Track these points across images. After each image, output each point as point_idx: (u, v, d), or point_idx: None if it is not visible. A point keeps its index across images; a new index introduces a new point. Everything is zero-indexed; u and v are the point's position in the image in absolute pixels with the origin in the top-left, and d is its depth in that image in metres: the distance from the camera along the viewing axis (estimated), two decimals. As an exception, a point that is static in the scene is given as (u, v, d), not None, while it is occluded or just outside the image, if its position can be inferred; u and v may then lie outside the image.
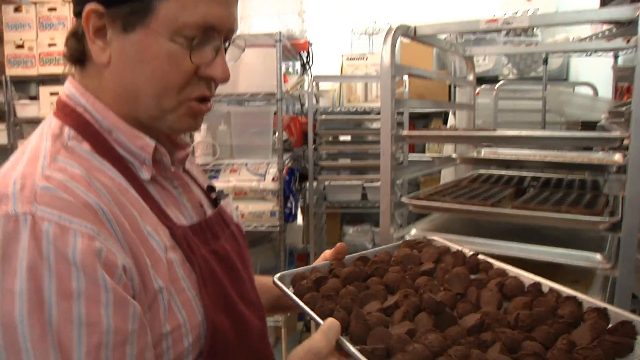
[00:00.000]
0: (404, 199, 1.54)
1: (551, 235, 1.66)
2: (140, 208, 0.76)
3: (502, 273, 1.03)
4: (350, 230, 3.84)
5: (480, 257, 1.11)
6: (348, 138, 3.77)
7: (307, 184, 3.50)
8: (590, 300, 0.90)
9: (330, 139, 3.60)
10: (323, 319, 0.85)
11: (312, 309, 0.88)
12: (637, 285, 1.42)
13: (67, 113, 0.79)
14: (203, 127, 2.90)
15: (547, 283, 0.98)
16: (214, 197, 1.00)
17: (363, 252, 1.15)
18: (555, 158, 1.95)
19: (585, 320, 0.85)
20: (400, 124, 3.52)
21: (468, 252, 1.14)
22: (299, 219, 3.19)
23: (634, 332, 0.80)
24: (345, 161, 3.65)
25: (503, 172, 2.19)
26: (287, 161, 2.95)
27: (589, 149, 2.23)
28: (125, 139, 0.79)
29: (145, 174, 0.80)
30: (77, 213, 0.67)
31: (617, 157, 1.83)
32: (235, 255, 0.92)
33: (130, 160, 0.80)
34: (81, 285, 0.64)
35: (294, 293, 0.95)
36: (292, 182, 2.95)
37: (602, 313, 0.85)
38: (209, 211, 0.94)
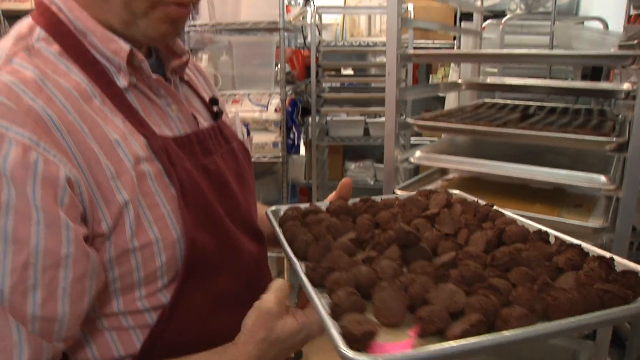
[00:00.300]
0: (409, 120, 1.53)
1: (554, 160, 1.65)
2: (104, 116, 0.71)
3: (510, 222, 0.90)
4: (352, 166, 3.83)
5: (495, 208, 0.99)
6: (351, 73, 3.72)
7: (310, 119, 3.47)
8: (597, 250, 0.78)
9: (333, 73, 3.55)
10: (290, 243, 0.81)
11: (284, 235, 0.84)
12: (637, 216, 1.42)
13: (40, 12, 0.74)
14: (204, 57, 2.84)
15: (553, 233, 0.86)
16: (216, 110, 0.94)
17: (373, 196, 1.05)
18: (562, 84, 1.92)
19: (583, 269, 0.73)
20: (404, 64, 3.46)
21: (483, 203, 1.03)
22: (302, 151, 3.18)
23: (637, 285, 0.66)
24: (348, 94, 3.61)
25: (508, 101, 2.17)
26: (289, 92, 2.91)
27: (597, 78, 2.21)
28: (98, 42, 0.73)
29: (122, 81, 0.75)
30: (17, 120, 0.62)
31: (626, 85, 1.81)
32: (230, 174, 0.87)
33: (106, 65, 0.74)
34: (11, 199, 0.61)
35: (278, 222, 0.91)
36: (295, 114, 2.93)
37: (606, 263, 0.72)
38: (206, 124, 0.88)
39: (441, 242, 0.81)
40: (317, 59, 3.34)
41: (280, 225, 0.90)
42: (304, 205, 0.98)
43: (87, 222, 0.67)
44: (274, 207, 0.98)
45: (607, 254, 0.75)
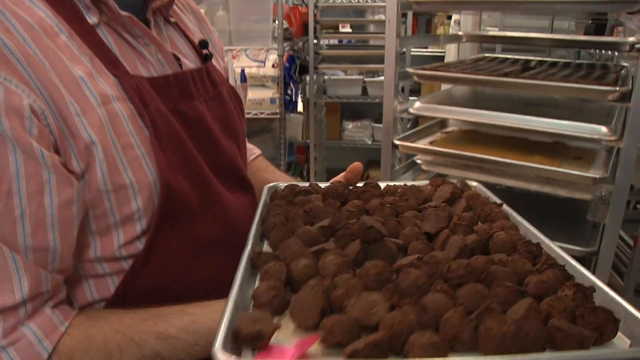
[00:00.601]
0: (410, 69, 1.50)
1: (554, 114, 1.63)
2: (70, 52, 0.68)
3: (508, 227, 0.77)
4: (349, 125, 3.80)
5: (505, 207, 0.86)
6: (349, 30, 3.67)
7: (308, 77, 3.43)
8: (583, 271, 0.66)
9: (331, 30, 3.49)
10: (264, 222, 0.79)
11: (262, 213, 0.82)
12: (635, 175, 1.41)
13: None
14: (200, 11, 2.79)
15: (547, 245, 0.73)
16: (205, 53, 0.90)
17: (379, 181, 0.99)
18: (565, 37, 1.89)
19: (552, 296, 0.59)
20: (403, 21, 3.40)
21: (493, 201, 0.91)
22: (300, 108, 3.15)
23: (607, 326, 0.54)
24: (346, 51, 3.56)
25: (509, 55, 2.14)
26: (287, 48, 2.86)
27: (600, 32, 2.17)
28: None
29: (92, 17, 0.72)
30: None
31: (631, 38, 1.78)
32: (214, 121, 0.84)
33: (76, 1, 0.71)
34: None
35: (270, 199, 0.90)
36: (293, 70, 2.89)
37: (582, 293, 0.58)
38: (191, 66, 0.84)
39: (412, 243, 0.72)
40: (315, 15, 3.28)
41: (270, 202, 0.88)
42: (303, 184, 0.95)
43: (60, 153, 0.65)
44: (272, 184, 0.96)
45: (590, 278, 0.63)
